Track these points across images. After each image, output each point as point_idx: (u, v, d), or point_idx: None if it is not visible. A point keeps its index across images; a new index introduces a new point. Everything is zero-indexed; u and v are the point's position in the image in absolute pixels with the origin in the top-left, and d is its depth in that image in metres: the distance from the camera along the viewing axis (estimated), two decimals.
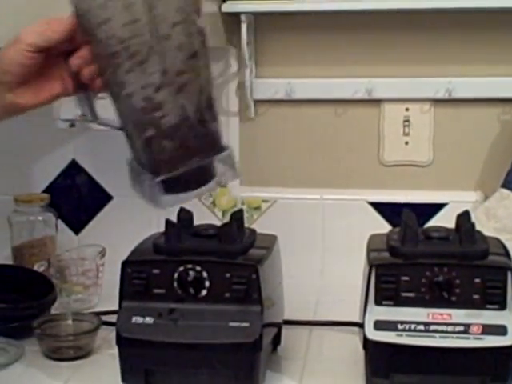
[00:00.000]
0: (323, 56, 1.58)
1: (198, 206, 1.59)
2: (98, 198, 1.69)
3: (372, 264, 1.10)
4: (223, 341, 1.08)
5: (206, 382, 1.10)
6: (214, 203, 1.63)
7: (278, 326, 1.23)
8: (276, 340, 1.24)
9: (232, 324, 1.09)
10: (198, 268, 1.11)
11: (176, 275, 1.11)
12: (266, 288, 1.12)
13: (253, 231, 1.23)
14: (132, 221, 1.61)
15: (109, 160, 1.60)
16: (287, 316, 1.28)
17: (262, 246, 1.19)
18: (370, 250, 1.16)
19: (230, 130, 1.61)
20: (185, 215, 1.22)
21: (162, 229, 1.16)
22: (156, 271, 1.11)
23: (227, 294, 1.10)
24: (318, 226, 1.60)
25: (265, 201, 1.62)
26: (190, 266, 1.11)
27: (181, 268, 1.11)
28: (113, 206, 1.68)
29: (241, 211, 1.23)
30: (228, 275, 1.10)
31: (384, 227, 1.50)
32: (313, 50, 1.57)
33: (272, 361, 1.21)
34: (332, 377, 1.16)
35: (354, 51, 1.56)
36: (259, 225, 1.56)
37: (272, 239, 1.23)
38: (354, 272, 1.25)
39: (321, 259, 1.59)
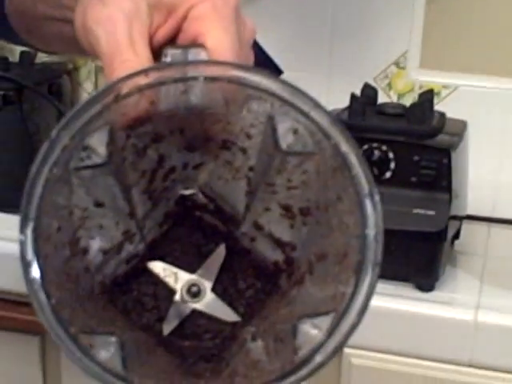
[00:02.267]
0: None
1: None
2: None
3: None
4: (406, 228, 1.00)
5: (383, 270, 1.03)
6: (389, 85, 1.53)
7: (460, 220, 1.14)
8: (455, 234, 1.15)
9: (416, 211, 1.01)
10: (384, 148, 1.02)
11: None
12: (456, 176, 1.03)
13: (442, 114, 1.13)
14: None
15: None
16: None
17: (452, 132, 1.09)
18: None
19: (415, 8, 1.48)
20: (369, 91, 1.13)
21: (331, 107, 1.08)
22: None
23: (414, 179, 1.02)
24: (498, 117, 1.47)
25: (445, 87, 1.50)
26: (375, 144, 1.03)
27: (365, 146, 1.03)
28: None
29: (431, 92, 1.13)
30: (416, 158, 1.01)
31: None
32: None
33: (450, 255, 1.12)
34: None
35: None
36: None
37: (462, 125, 1.13)
38: None
39: (499, 158, 1.47)
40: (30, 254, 0.44)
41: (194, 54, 0.50)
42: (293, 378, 0.44)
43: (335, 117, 0.46)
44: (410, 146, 1.02)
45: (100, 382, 0.44)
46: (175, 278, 0.54)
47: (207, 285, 0.53)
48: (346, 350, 1.02)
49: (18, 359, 1.14)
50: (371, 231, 0.45)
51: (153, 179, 0.53)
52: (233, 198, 0.54)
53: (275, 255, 0.53)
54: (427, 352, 1.00)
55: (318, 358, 0.44)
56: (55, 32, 0.63)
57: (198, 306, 0.53)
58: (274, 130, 0.49)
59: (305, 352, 0.45)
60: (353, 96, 1.08)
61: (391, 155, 1.02)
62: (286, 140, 0.49)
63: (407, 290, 1.03)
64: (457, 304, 1.01)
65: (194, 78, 0.47)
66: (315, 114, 0.47)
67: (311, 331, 0.45)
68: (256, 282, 0.55)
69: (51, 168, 0.45)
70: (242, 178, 0.53)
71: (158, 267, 0.54)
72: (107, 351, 0.45)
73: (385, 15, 1.47)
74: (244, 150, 0.52)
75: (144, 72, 0.47)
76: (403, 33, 1.50)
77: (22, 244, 0.44)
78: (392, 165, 1.02)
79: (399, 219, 1.00)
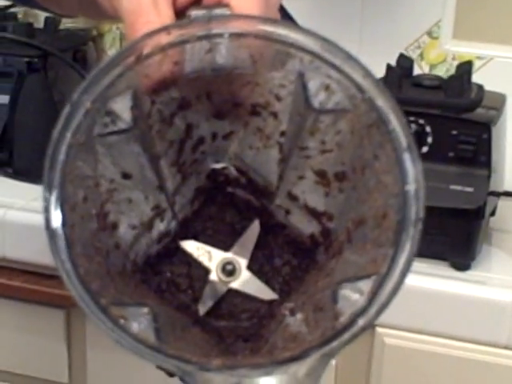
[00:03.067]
0: None
1: None
2: None
3: None
4: (443, 205, 0.97)
5: (419, 248, 1.00)
6: (421, 56, 1.48)
7: (498, 196, 1.11)
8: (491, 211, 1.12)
9: (454, 187, 0.98)
10: (421, 121, 0.99)
11: None
12: (495, 152, 0.99)
13: (480, 87, 1.09)
14: None
15: None
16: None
17: (491, 106, 1.05)
18: None
19: None
20: (405, 62, 1.10)
21: None
22: None
23: (451, 154, 0.98)
24: None
25: (479, 58, 1.45)
26: (412, 118, 0.99)
27: None
28: None
29: (469, 63, 1.09)
30: (455, 132, 0.98)
31: None
32: None
33: (486, 233, 1.09)
34: None
35: None
36: None
37: (501, 98, 1.09)
38: None
39: None
40: (55, 222, 0.42)
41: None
42: (335, 343, 0.42)
43: (369, 69, 0.43)
44: (449, 120, 0.99)
45: (133, 353, 0.42)
46: (209, 256, 0.51)
47: (242, 263, 0.51)
48: (379, 330, 0.99)
49: (43, 332, 1.12)
50: (411, 187, 0.42)
51: (181, 150, 0.50)
52: (265, 169, 0.51)
53: (311, 227, 0.51)
54: (462, 333, 0.97)
55: (361, 322, 0.42)
56: None
57: (234, 284, 0.51)
58: (304, 88, 0.46)
59: (346, 317, 0.42)
60: (389, 67, 1.04)
61: (428, 129, 0.99)
62: (317, 98, 0.46)
63: (442, 268, 1.00)
64: (493, 284, 0.98)
65: (219, 35, 0.44)
66: (347, 67, 0.44)
67: (352, 296, 0.43)
68: (292, 259, 0.52)
69: (74, 133, 0.43)
70: (274, 145, 0.50)
71: (191, 246, 0.52)
72: (140, 323, 0.43)
73: None
74: (275, 114, 0.49)
75: (165, 30, 0.44)
76: (437, 1, 1.45)
77: (47, 211, 0.42)
78: (429, 139, 0.99)
79: (436, 196, 0.97)
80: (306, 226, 0.51)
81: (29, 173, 1.17)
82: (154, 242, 0.51)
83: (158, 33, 0.44)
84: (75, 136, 0.43)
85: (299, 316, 0.47)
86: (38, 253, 1.07)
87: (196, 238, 0.52)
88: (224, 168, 0.52)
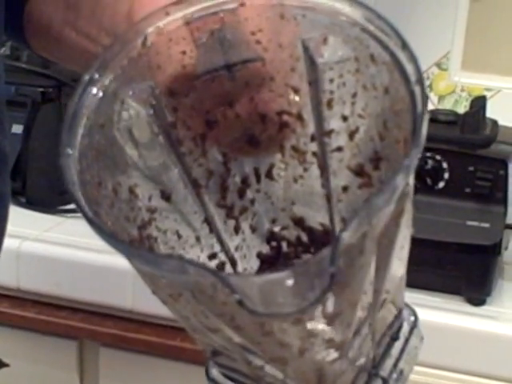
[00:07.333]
0: None
1: None
2: None
3: None
4: (459, 240, 0.97)
5: (433, 283, 1.00)
6: (430, 87, 1.49)
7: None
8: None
9: (470, 223, 0.98)
10: (438, 157, 1.00)
11: None
12: (511, 188, 1.00)
13: (495, 122, 1.10)
14: None
15: None
16: None
17: (506, 141, 1.06)
18: None
19: (458, 10, 1.45)
20: None
21: None
22: None
23: (468, 190, 0.99)
24: None
25: (488, 89, 1.46)
26: (429, 154, 1.00)
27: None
28: None
29: (484, 98, 1.10)
30: (471, 169, 0.99)
31: None
32: None
33: (499, 267, 1.10)
34: None
35: None
36: None
37: None
38: None
39: None
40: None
41: None
42: None
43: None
44: (465, 156, 0.99)
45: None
46: None
47: None
48: None
49: (55, 363, 1.12)
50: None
51: (225, 188, 0.47)
52: (315, 201, 0.47)
53: None
54: (478, 368, 0.97)
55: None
56: (78, 50, 0.58)
57: None
58: (307, 51, 0.43)
59: None
60: None
61: (445, 165, 0.99)
62: (319, 52, 0.43)
63: (457, 303, 1.00)
64: (509, 319, 0.99)
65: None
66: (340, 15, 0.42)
67: None
68: None
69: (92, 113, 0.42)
70: (312, 161, 0.47)
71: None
72: None
73: (427, 15, 1.43)
74: (300, 116, 0.45)
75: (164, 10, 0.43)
76: (446, 33, 1.46)
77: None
78: (446, 175, 0.99)
79: (452, 231, 0.98)
80: None
81: (42, 202, 1.16)
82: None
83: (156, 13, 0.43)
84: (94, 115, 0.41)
85: None
86: (51, 284, 1.07)
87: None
88: (283, 228, 0.49)
